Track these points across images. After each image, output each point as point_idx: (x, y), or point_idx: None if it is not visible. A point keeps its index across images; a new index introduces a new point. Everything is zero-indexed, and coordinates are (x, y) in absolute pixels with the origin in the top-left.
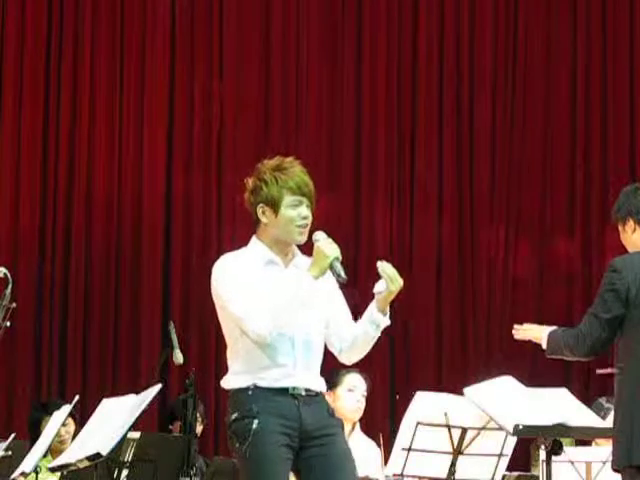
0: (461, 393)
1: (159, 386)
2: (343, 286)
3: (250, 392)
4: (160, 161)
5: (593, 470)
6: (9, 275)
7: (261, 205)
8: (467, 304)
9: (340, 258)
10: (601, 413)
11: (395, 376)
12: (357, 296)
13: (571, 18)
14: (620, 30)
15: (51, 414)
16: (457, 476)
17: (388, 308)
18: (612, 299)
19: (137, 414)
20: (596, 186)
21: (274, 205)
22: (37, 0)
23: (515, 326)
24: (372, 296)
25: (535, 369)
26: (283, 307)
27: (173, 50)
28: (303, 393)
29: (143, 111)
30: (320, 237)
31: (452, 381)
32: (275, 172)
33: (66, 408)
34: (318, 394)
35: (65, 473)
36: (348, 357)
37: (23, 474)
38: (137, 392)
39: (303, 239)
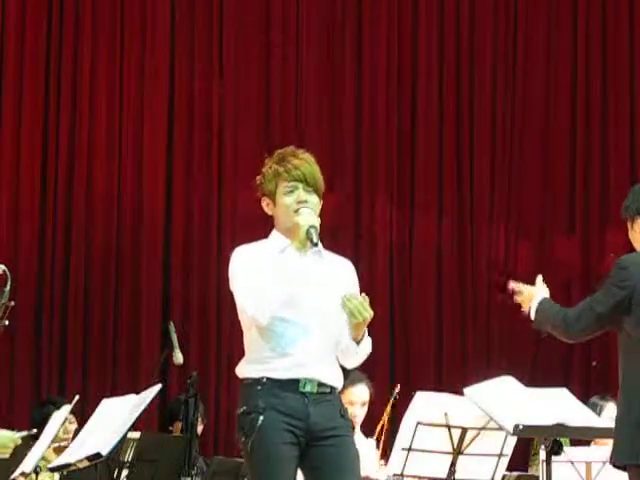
0: (461, 393)
1: (159, 386)
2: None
3: (259, 387)
4: (160, 161)
5: (593, 470)
6: (8, 272)
7: (264, 198)
8: (467, 304)
9: (317, 226)
10: (596, 410)
11: (395, 376)
12: None
13: (571, 18)
14: (620, 30)
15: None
16: (457, 476)
17: (364, 334)
18: (614, 295)
19: (137, 414)
20: (596, 186)
21: (271, 195)
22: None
23: (511, 283)
24: (372, 297)
25: (535, 369)
26: (272, 287)
27: (173, 49)
28: (315, 390)
29: (143, 111)
30: (302, 211)
31: (452, 381)
32: (274, 164)
33: (66, 408)
34: (332, 390)
35: (65, 473)
36: (342, 361)
37: (23, 474)
38: (137, 392)
39: None
